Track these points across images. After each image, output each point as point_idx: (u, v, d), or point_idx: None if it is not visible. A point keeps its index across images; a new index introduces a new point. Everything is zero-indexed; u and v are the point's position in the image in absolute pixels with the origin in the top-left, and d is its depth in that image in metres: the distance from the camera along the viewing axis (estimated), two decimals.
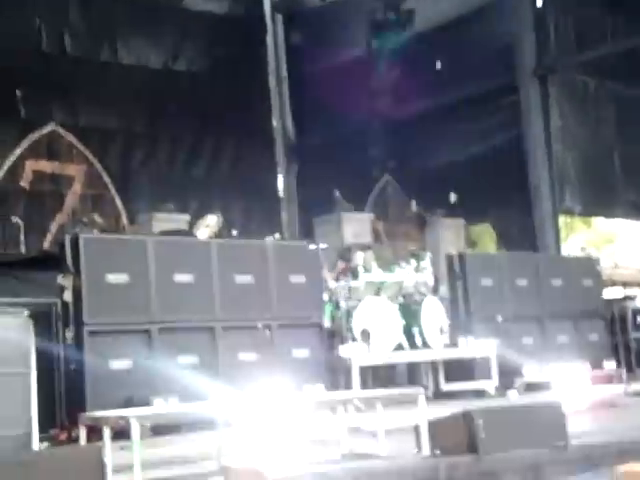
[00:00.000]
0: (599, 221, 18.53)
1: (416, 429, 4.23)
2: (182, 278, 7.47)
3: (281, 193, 17.57)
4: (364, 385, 8.63)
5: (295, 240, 14.18)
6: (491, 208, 15.25)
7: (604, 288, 11.37)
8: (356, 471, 3.92)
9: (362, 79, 15.65)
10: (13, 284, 8.06)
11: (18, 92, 13.39)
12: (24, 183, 13.02)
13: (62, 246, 7.08)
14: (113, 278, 7.05)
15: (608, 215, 16.07)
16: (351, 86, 15.63)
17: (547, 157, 13.96)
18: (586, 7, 14.15)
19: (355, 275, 8.98)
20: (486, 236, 16.70)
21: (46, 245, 12.49)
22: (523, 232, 14.82)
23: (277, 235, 9.29)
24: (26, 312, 4.45)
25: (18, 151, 13.04)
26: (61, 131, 13.65)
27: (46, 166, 13.37)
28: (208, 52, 16.19)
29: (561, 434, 4.39)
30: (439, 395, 9.31)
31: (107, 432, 3.69)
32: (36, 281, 7.92)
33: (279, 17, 17.55)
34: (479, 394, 9.12)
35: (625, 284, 13.65)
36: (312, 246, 8.19)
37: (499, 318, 9.73)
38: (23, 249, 10.50)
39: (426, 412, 4.18)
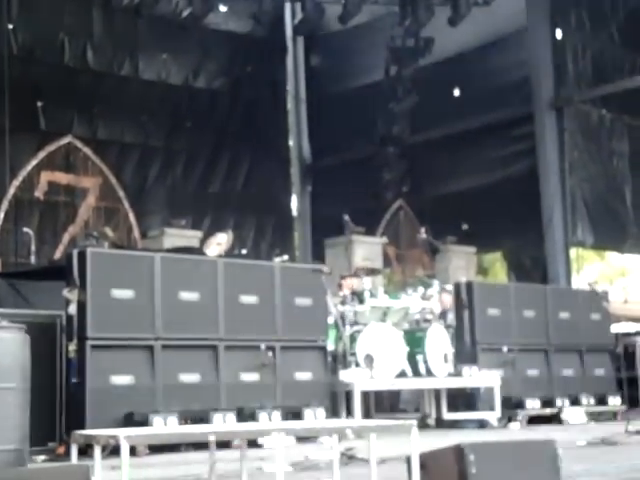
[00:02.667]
0: (612, 254, 18.45)
1: (408, 461, 4.22)
2: (187, 296, 7.49)
3: (294, 213, 17.68)
4: (366, 410, 8.62)
5: (306, 261, 14.23)
6: (503, 238, 15.26)
7: (612, 323, 11.30)
8: None
9: (379, 104, 15.75)
10: (22, 294, 8.11)
11: (39, 104, 13.59)
12: (39, 193, 13.18)
13: (69, 259, 7.11)
14: (118, 293, 7.08)
15: (619, 249, 16.03)
16: (368, 110, 15.75)
17: (560, 189, 13.96)
18: (605, 42, 14.18)
19: (361, 300, 8.98)
20: (497, 265, 16.68)
21: (57, 256, 12.61)
22: (535, 263, 14.82)
23: (285, 256, 9.30)
24: (23, 327, 4.48)
25: (34, 162, 13.21)
26: (78, 143, 13.81)
27: (61, 177, 13.54)
28: (228, 71, 16.39)
29: (554, 473, 4.36)
30: (441, 424, 9.27)
31: (98, 451, 3.70)
32: (43, 292, 7.97)
33: (300, 39, 17.72)
34: (481, 424, 9.07)
35: (634, 319, 13.55)
36: (316, 271, 8.18)
37: (504, 349, 9.69)
38: (33, 259, 10.58)
39: (418, 444, 4.17)
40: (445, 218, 14.52)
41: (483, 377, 9.22)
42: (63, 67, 14.20)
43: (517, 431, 8.82)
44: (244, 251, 10.73)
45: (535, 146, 14.40)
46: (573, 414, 9.71)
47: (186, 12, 14.59)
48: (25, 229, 11.30)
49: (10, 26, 13.53)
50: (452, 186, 15.53)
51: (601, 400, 10.19)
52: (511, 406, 9.37)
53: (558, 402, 9.77)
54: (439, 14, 14.55)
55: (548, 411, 9.69)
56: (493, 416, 9.09)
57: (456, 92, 15.58)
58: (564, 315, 10.44)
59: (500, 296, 10.08)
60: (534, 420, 9.47)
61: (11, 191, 12.91)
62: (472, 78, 15.17)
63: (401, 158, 16.03)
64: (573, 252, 14.50)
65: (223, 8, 15.26)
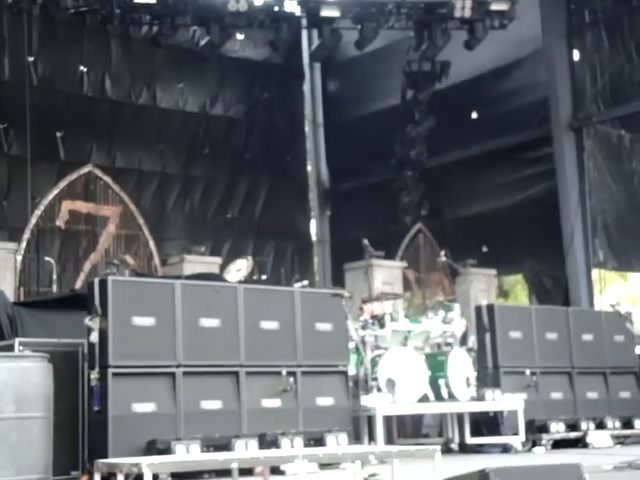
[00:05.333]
0: (635, 275, 18.27)
1: None
2: (208, 322, 7.49)
3: (314, 237, 17.71)
4: (388, 435, 8.55)
5: (326, 286, 14.22)
6: (524, 259, 15.17)
7: (636, 344, 11.17)
8: None
9: (396, 128, 15.76)
10: (44, 323, 8.14)
11: (59, 134, 13.75)
12: (60, 222, 13.28)
13: (91, 287, 7.14)
14: (139, 321, 7.09)
15: None
16: (385, 134, 15.76)
17: (581, 210, 13.88)
18: (623, 61, 14.13)
19: (382, 324, 8.95)
20: (518, 287, 16.59)
21: (79, 284, 12.67)
22: (556, 284, 14.70)
23: (305, 281, 9.28)
24: (46, 357, 4.49)
25: (55, 191, 13.34)
26: (98, 172, 13.94)
27: (82, 206, 13.65)
28: (246, 97, 16.52)
29: None
30: (464, 448, 9.18)
31: (120, 479, 3.70)
32: (66, 320, 7.99)
33: (317, 65, 17.84)
34: (505, 449, 8.97)
35: None
36: (336, 296, 8.16)
37: (527, 372, 9.60)
38: (55, 288, 10.65)
39: (442, 469, 4.14)
40: (465, 241, 14.46)
41: (506, 401, 9.13)
42: (82, 97, 14.38)
43: (542, 455, 8.71)
44: (264, 277, 10.74)
45: (554, 167, 14.34)
46: (598, 438, 9.58)
47: (203, 41, 14.71)
48: (47, 258, 11.39)
49: (30, 59, 13.74)
50: (471, 208, 15.48)
51: (627, 423, 10.04)
52: (535, 430, 9.26)
53: (583, 425, 9.64)
54: (455, 37, 14.59)
55: (573, 435, 9.56)
56: (517, 440, 8.99)
57: (473, 115, 15.59)
58: (587, 337, 10.33)
59: (522, 318, 9.99)
60: (559, 444, 9.35)
61: (33, 220, 13.02)
62: (489, 101, 15.18)
63: (419, 181, 16.01)
64: (595, 273, 14.37)
65: (240, 36, 15.39)
